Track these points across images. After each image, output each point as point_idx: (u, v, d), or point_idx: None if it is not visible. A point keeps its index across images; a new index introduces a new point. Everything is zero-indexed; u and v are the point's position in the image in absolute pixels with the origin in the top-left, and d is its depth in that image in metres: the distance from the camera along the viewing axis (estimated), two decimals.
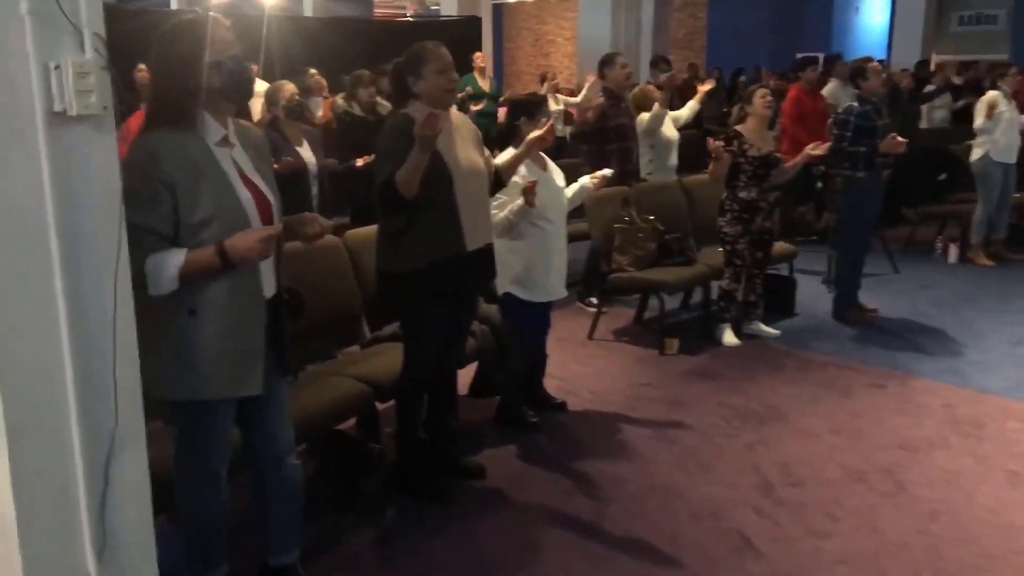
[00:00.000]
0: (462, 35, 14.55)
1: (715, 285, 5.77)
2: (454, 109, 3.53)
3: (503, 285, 4.10)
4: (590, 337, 5.65)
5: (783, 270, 6.30)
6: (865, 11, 20.35)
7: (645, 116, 6.44)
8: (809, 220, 7.29)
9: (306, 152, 5.10)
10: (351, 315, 4.07)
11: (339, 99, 6.95)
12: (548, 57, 26.25)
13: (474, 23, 15.33)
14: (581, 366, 5.16)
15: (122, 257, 2.16)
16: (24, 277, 2.01)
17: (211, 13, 2.50)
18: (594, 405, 4.57)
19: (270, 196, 2.54)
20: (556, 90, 11.85)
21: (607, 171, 4.31)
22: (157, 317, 2.45)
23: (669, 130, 6.65)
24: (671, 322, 5.81)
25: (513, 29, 27.59)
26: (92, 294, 2.12)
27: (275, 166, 4.75)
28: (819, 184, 7.45)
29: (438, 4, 20.01)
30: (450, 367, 3.74)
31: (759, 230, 5.45)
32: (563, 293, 4.20)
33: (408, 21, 15.40)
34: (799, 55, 16.15)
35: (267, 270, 2.55)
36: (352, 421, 3.89)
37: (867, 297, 6.14)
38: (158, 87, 2.44)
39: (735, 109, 5.55)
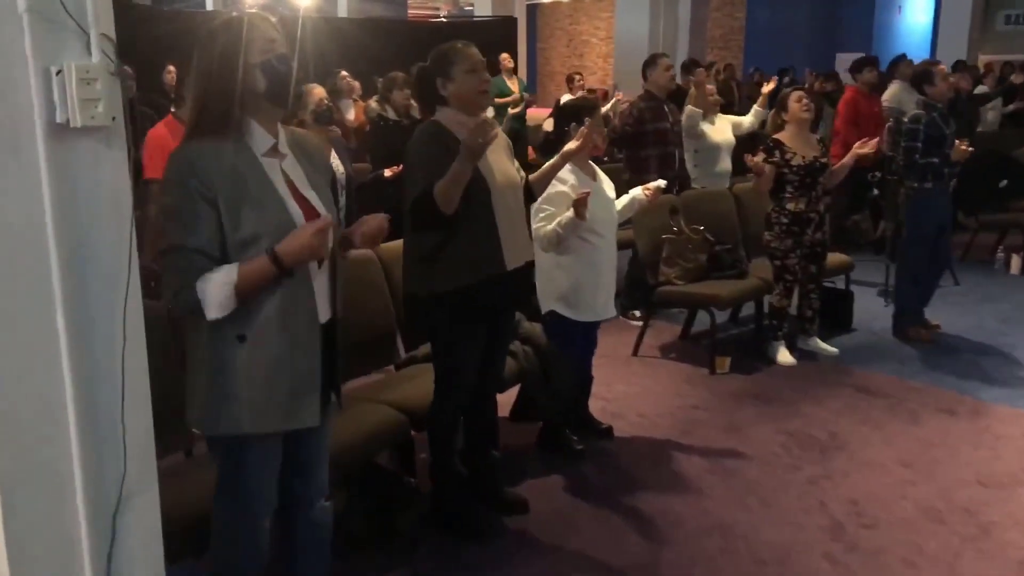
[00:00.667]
0: (496, 36, 14.31)
1: (768, 299, 5.46)
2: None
3: (548, 302, 3.83)
4: (635, 354, 5.36)
5: (838, 283, 5.96)
6: (908, 10, 19.84)
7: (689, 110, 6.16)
8: (864, 229, 6.94)
9: (333, 160, 4.85)
10: (385, 333, 3.82)
11: (372, 102, 6.73)
12: (582, 58, 25.97)
13: (509, 23, 15.05)
14: (627, 386, 4.87)
15: (133, 288, 1.92)
16: (22, 311, 1.77)
17: (255, 11, 2.26)
18: (642, 430, 4.28)
19: (323, 211, 2.27)
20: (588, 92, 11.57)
21: (661, 182, 4.02)
22: (198, 346, 2.21)
23: (717, 133, 6.33)
24: (721, 338, 5.50)
25: (547, 30, 27.34)
26: (99, 329, 1.88)
27: None
28: (874, 191, 7.09)
29: (472, 4, 19.83)
30: (489, 391, 3.47)
31: (811, 242, 5.13)
32: (612, 312, 3.91)
33: (442, 22, 15.20)
34: (839, 54, 15.72)
35: (322, 291, 2.30)
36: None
37: (927, 311, 5.79)
38: (199, 91, 2.19)
39: (770, 117, 5.23)
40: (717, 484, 3.73)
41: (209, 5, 20.29)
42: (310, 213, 2.23)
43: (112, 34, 1.86)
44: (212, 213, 2.08)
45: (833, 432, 4.24)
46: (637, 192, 4.00)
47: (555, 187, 3.66)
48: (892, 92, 8.30)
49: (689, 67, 8.83)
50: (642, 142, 5.76)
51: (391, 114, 6.49)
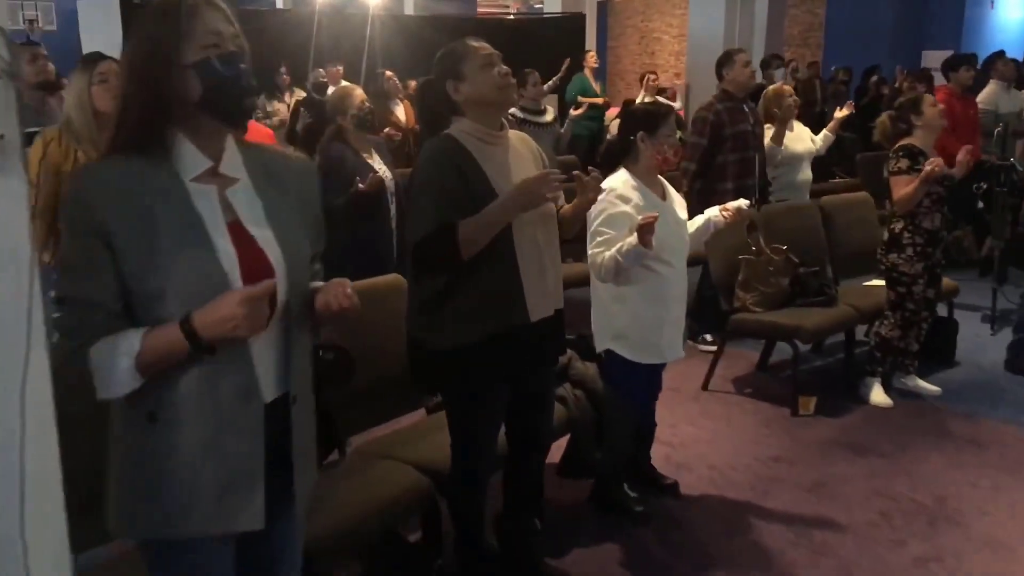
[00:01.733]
0: (566, 33, 13.77)
1: (860, 329, 4.81)
2: (516, 133, 2.72)
3: (604, 340, 3.28)
4: (705, 387, 4.76)
5: (941, 310, 5.25)
6: (1000, 5, 18.66)
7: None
8: (967, 247, 6.20)
9: (378, 164, 4.34)
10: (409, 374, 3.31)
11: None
12: (654, 56, 25.19)
13: (578, 20, 14.50)
14: (695, 428, 4.28)
15: (36, 360, 1.45)
16: None
17: None
18: (713, 487, 3.70)
19: (276, 255, 1.70)
20: (658, 91, 10.93)
21: (743, 202, 3.42)
22: (112, 423, 1.73)
23: (796, 141, 5.69)
24: (804, 372, 4.87)
25: (618, 27, 26.65)
26: None
27: (361, 186, 4.12)
28: (979, 203, 6.34)
29: (542, 2, 19.27)
30: (531, 446, 2.92)
31: (935, 264, 4.49)
32: (680, 353, 3.33)
33: (510, 19, 14.68)
34: (925, 51, 14.73)
35: (267, 358, 1.72)
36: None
37: None
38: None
39: (883, 121, 4.56)
40: (804, 562, 3.13)
41: (279, 3, 20.21)
42: (250, 254, 1.67)
43: (6, 26, 1.38)
44: (106, 255, 1.57)
45: (941, 497, 3.59)
46: (714, 213, 3.41)
47: (616, 206, 3.11)
48: (988, 93, 7.48)
49: (769, 63, 8.17)
50: (719, 147, 5.15)
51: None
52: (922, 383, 4.70)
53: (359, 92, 4.38)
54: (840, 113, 5.92)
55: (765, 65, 8.31)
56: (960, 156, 4.44)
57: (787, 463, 3.91)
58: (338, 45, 10.51)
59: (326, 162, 4.08)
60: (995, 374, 4.98)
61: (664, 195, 3.28)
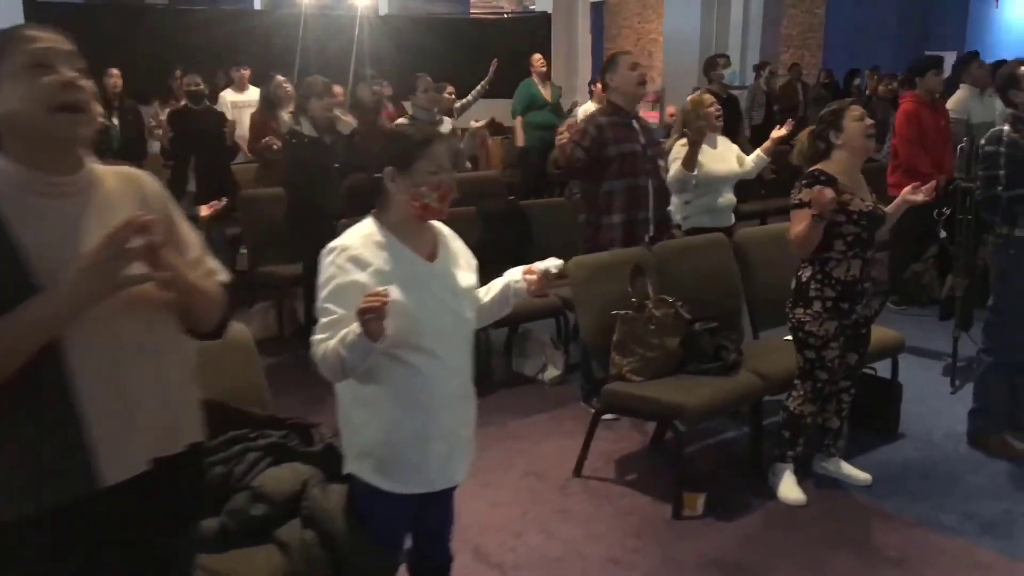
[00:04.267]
0: (528, 34, 12.87)
1: (784, 403, 3.85)
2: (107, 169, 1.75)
3: (350, 460, 2.33)
4: (577, 472, 3.81)
5: (884, 368, 4.29)
6: (1006, 4, 17.66)
7: (677, 150, 4.56)
8: (926, 283, 5.22)
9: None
10: None
11: (286, 115, 5.33)
12: (651, 57, 24.26)
13: (542, 20, 13.55)
14: (544, 538, 3.32)
15: None
16: None
17: None
18: None
19: None
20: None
21: (553, 263, 2.45)
22: None
23: (718, 162, 4.75)
24: (700, 451, 3.90)
25: (614, 28, 25.76)
26: None
27: None
28: (942, 233, 5.33)
29: (534, 3, 18.39)
30: None
31: (856, 321, 3.52)
32: (458, 478, 2.38)
33: (467, 19, 13.73)
34: (927, 53, 13.76)
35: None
36: None
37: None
38: None
39: (802, 138, 3.60)
40: None
41: (257, 5, 19.43)
42: None
43: None
44: None
45: None
46: (515, 277, 2.45)
47: (346, 273, 2.17)
48: (958, 99, 6.45)
49: (714, 64, 7.20)
50: (602, 171, 4.19)
51: (307, 129, 5.08)
52: (848, 469, 3.73)
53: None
54: (778, 132, 4.95)
55: (709, 67, 7.32)
56: (904, 193, 3.50)
57: None
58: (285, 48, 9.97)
59: None
60: (948, 453, 4.01)
61: (435, 252, 2.33)
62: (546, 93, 8.60)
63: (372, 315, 1.95)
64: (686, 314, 3.69)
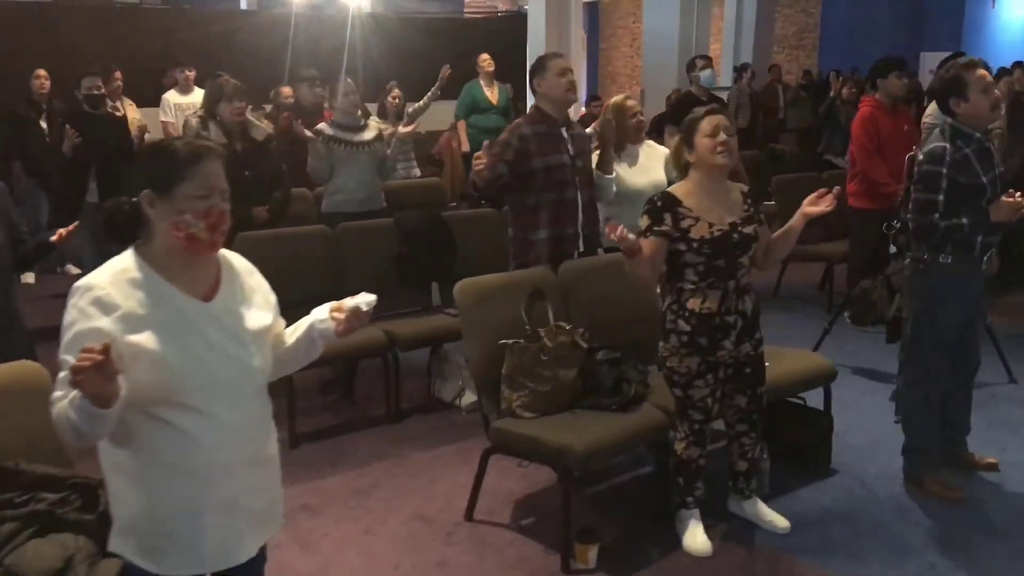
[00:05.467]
0: (505, 33, 12.54)
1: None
2: None
3: (113, 538, 1.98)
4: (468, 516, 3.47)
5: (816, 398, 3.94)
6: (1002, 4, 17.29)
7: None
8: (875, 302, 4.86)
9: None
10: None
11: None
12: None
13: (516, 19, 13.22)
14: None
15: None
16: None
17: None
18: None
19: None
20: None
21: (364, 299, 2.11)
22: None
23: (638, 175, 4.42)
24: (598, 495, 3.56)
25: (609, 28, 25.46)
26: None
27: None
28: (892, 248, 4.96)
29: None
30: None
31: (738, 359, 3.15)
32: (242, 557, 2.02)
33: (436, 19, 13.38)
34: (924, 53, 13.34)
35: None
36: None
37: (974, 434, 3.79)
38: None
39: (674, 149, 3.23)
40: None
41: (243, 5, 19.17)
42: None
43: None
44: None
45: None
46: (320, 315, 2.11)
47: (88, 318, 1.82)
48: (936, 106, 6.12)
49: (693, 65, 6.87)
50: (529, 183, 3.86)
51: (215, 135, 4.75)
52: (765, 512, 3.38)
53: None
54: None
55: (689, 68, 6.98)
56: (806, 204, 3.14)
57: None
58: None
59: None
60: (880, 494, 3.66)
61: (214, 290, 1.98)
62: (492, 95, 8.25)
63: (86, 376, 1.61)
64: (583, 342, 3.35)
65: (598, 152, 4.21)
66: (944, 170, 3.36)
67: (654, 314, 3.77)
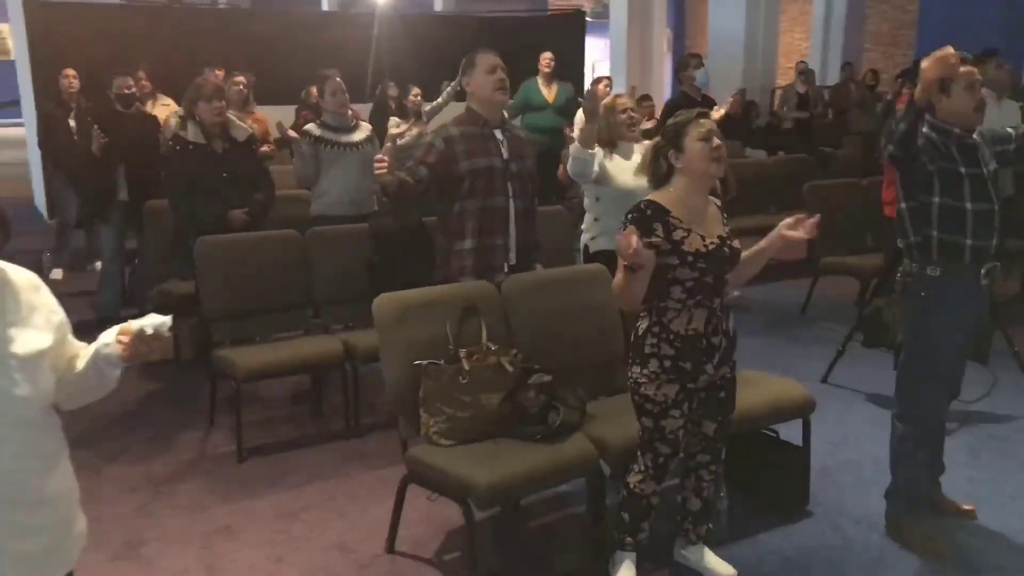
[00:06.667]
0: (563, 32, 12.23)
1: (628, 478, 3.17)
2: None
3: None
4: (390, 548, 3.21)
5: (790, 430, 3.55)
6: None
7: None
8: (888, 322, 4.40)
9: None
10: None
11: (173, 119, 4.89)
12: None
13: (575, 18, 12.90)
14: None
15: None
16: None
17: None
18: None
19: None
20: (642, 97, 9.26)
21: (151, 320, 1.87)
22: None
23: (627, 174, 4.09)
24: (530, 532, 3.26)
25: (695, 25, 24.86)
26: None
27: None
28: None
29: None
30: None
31: (714, 382, 2.83)
32: None
33: (508, 17, 13.15)
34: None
35: None
36: None
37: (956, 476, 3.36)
38: None
39: (647, 153, 2.91)
40: None
41: (324, 6, 19.45)
42: None
43: None
44: None
45: None
46: (105, 339, 1.85)
47: None
48: None
49: (687, 64, 6.47)
50: (455, 190, 3.57)
51: (193, 135, 4.65)
52: (711, 561, 3.02)
53: None
54: (717, 112, 4.29)
55: (681, 67, 6.57)
56: (782, 227, 2.81)
57: None
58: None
59: None
60: (856, 543, 3.25)
61: None
62: (549, 94, 7.98)
63: None
64: (509, 365, 3.06)
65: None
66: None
67: (607, 335, 3.50)
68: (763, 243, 2.86)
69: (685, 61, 6.54)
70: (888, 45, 19.08)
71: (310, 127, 5.12)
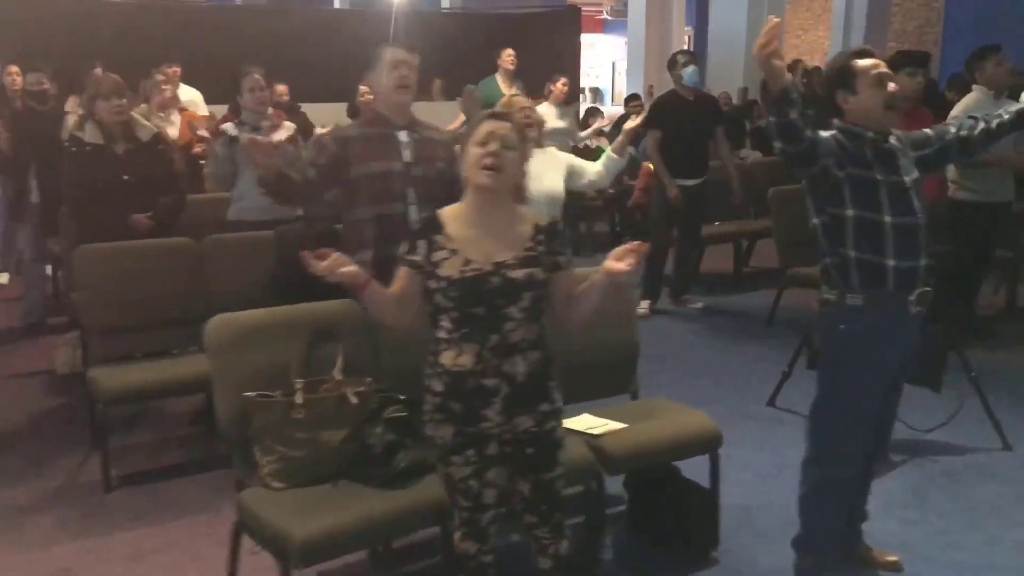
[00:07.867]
0: (557, 28, 11.87)
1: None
2: None
3: None
4: None
5: (697, 468, 3.15)
6: None
7: None
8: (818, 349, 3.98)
9: None
10: None
11: (71, 118, 4.58)
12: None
13: (570, 14, 12.51)
14: None
15: None
16: None
17: None
18: None
19: None
20: (629, 98, 8.86)
21: None
22: None
23: (556, 180, 3.73)
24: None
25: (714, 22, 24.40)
26: None
27: None
28: None
29: None
30: None
31: (515, 436, 2.37)
32: None
33: (498, 14, 12.79)
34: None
35: None
36: None
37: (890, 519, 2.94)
38: None
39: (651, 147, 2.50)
40: None
41: (336, 3, 19.31)
42: None
43: None
44: None
45: None
46: None
47: None
48: (968, 104, 5.16)
49: (675, 63, 6.09)
50: (352, 195, 3.24)
51: (91, 135, 4.35)
52: None
53: None
54: (630, 124, 3.93)
55: (671, 65, 6.17)
56: (621, 262, 2.39)
57: None
58: None
59: None
60: None
61: None
62: (509, 92, 7.60)
63: None
64: (353, 397, 2.70)
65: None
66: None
67: None
68: (593, 278, 2.42)
69: (674, 59, 6.16)
70: (914, 43, 18.53)
71: (227, 126, 4.80)
